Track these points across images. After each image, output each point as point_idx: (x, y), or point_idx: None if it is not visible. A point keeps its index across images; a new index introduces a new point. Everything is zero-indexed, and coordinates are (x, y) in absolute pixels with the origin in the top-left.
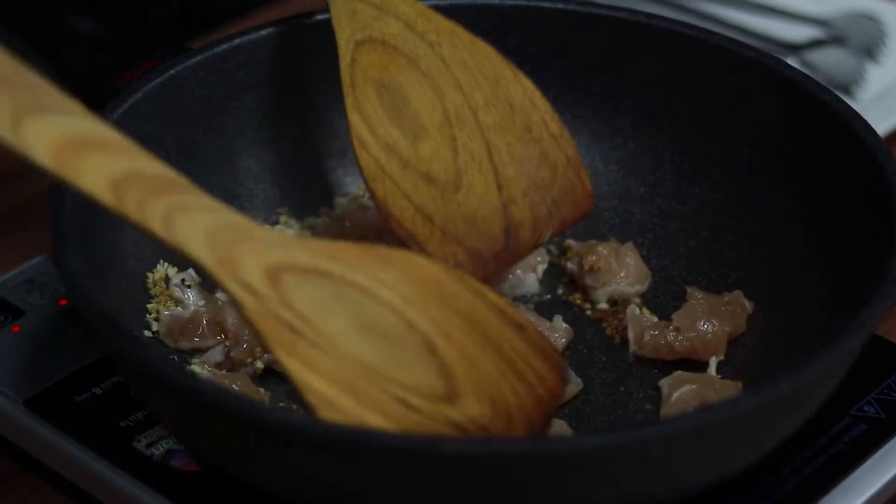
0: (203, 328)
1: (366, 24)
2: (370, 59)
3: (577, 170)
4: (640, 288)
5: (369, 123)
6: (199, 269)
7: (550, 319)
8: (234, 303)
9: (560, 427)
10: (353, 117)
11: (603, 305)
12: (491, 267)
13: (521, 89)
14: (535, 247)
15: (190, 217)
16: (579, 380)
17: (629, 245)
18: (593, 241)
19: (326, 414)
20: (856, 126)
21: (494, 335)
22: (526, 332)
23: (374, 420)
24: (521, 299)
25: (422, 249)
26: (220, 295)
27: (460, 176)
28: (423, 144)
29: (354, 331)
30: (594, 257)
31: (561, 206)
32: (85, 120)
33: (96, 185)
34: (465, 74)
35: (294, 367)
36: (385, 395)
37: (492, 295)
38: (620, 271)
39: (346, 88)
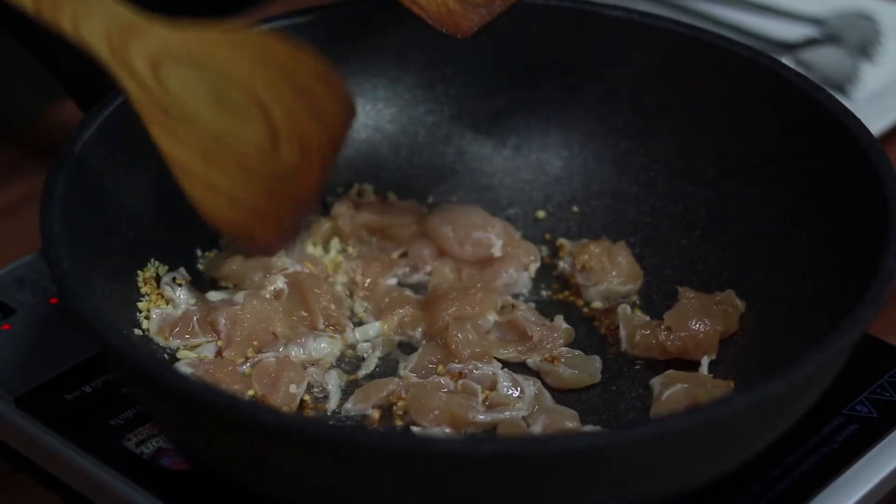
0: (194, 326)
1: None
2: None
3: None
4: (632, 287)
5: None
6: (188, 268)
7: (551, 319)
8: (123, 91)
9: (571, 418)
10: None
11: (596, 304)
12: (483, 14)
13: None
14: None
15: (92, 18)
16: (599, 375)
17: (622, 244)
18: (586, 241)
19: (186, 182)
20: (850, 125)
21: (306, 86)
22: (329, 83)
23: (219, 181)
24: (514, 298)
25: (414, 3)
26: (210, 295)
27: None
28: None
29: (211, 107)
30: (586, 256)
31: None
32: None
33: None
34: None
35: (165, 142)
36: (229, 160)
37: (305, 51)
38: (612, 270)
39: None
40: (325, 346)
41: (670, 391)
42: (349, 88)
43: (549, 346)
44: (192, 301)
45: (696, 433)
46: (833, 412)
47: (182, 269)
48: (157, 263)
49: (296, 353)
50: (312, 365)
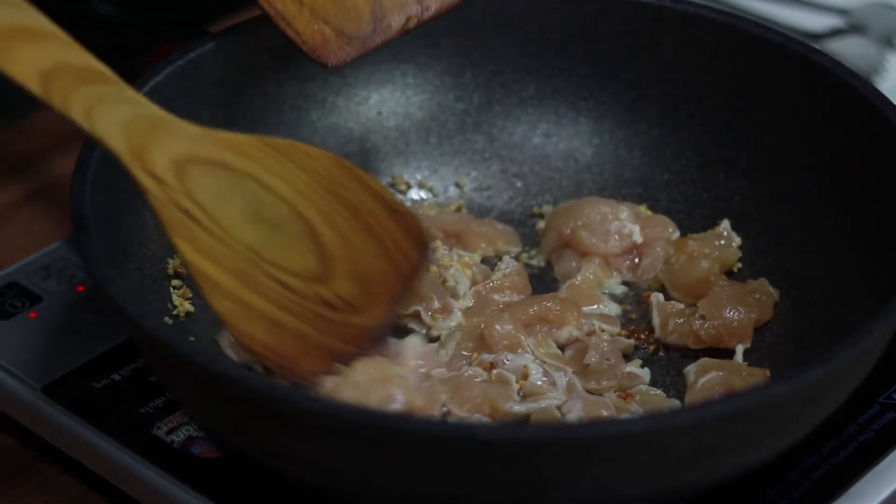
0: None
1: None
2: None
3: None
4: None
5: None
6: None
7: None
8: (140, 191)
9: (606, 407)
10: None
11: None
12: (357, 47)
13: None
14: (404, 32)
15: (109, 108)
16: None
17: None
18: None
19: (213, 297)
20: (886, 111)
21: (371, 220)
22: (400, 216)
23: (255, 300)
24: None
25: (290, 27)
26: None
27: None
28: None
29: (246, 219)
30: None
31: None
32: (19, 11)
33: (25, 74)
34: None
35: (188, 251)
36: (267, 278)
37: (373, 183)
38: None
39: None
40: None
41: (705, 379)
42: (421, 223)
43: (604, 383)
44: None
45: (733, 420)
46: (869, 400)
47: None
48: None
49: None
50: None
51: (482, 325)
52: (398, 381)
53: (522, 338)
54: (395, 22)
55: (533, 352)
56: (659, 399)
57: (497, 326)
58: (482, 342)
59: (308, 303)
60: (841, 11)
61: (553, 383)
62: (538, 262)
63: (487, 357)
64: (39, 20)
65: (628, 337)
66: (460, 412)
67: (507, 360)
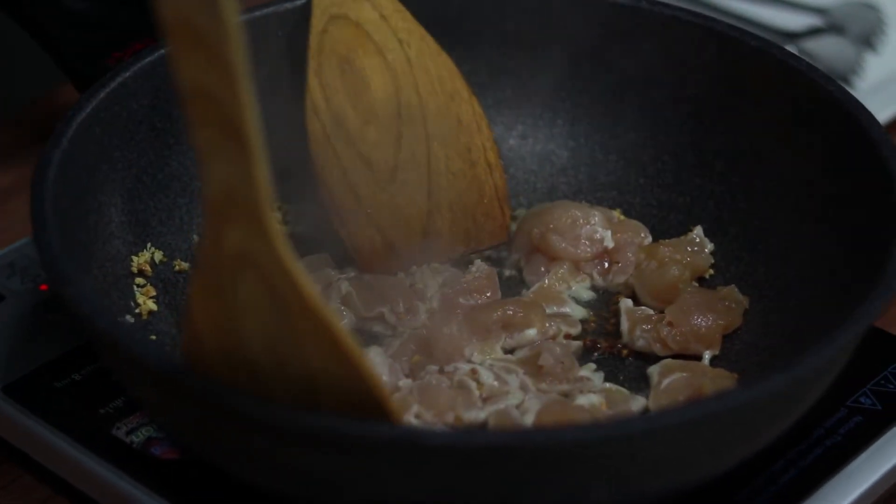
0: None
1: (343, 2)
2: (341, 35)
3: (503, 202)
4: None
5: (326, 91)
6: (186, 255)
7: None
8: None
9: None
10: (312, 81)
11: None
12: (401, 262)
13: (472, 110)
14: (443, 258)
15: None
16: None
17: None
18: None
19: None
20: (860, 117)
21: None
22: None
23: None
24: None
25: (343, 224)
26: None
27: (397, 170)
28: (370, 129)
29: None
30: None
31: (479, 231)
32: None
33: None
34: (425, 79)
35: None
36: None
37: None
38: None
39: (312, 52)
40: None
41: (669, 380)
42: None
43: (557, 386)
44: None
45: (700, 426)
46: (836, 404)
47: None
48: (152, 249)
49: None
50: None
51: (424, 332)
52: None
53: (464, 346)
54: (441, 246)
55: (477, 359)
56: (622, 395)
57: (443, 331)
58: (426, 348)
59: None
60: (819, 11)
61: (506, 384)
62: (511, 265)
63: (433, 368)
64: None
65: (595, 342)
66: (431, 419)
67: (456, 369)
